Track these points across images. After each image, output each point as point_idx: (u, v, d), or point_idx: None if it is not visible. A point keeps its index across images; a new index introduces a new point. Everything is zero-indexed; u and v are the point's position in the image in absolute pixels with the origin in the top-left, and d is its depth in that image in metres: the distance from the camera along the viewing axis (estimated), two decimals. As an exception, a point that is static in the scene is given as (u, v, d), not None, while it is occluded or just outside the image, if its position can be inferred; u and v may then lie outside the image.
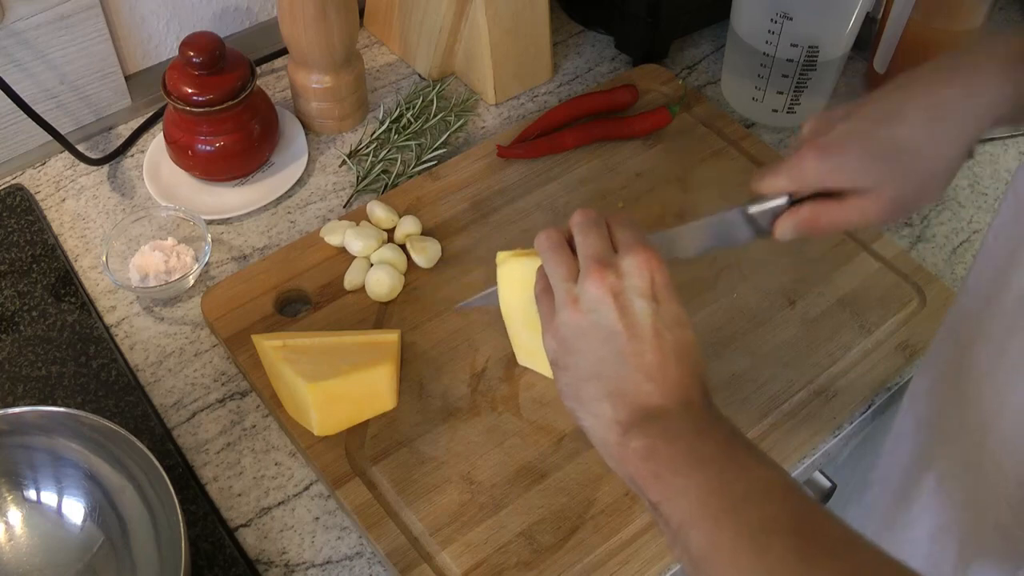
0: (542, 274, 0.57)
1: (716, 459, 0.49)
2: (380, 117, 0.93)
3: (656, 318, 0.52)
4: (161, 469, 0.60)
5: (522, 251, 0.68)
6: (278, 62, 0.99)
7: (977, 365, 0.60)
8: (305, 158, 0.90)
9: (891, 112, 0.56)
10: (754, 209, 0.60)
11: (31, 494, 0.65)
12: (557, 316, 0.54)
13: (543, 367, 0.72)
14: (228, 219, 0.86)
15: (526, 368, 0.74)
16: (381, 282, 0.77)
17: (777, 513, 0.46)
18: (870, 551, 0.44)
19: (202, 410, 0.74)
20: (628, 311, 0.52)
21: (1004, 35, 0.57)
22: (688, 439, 0.49)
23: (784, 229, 0.59)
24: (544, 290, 0.57)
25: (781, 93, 0.92)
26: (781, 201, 0.60)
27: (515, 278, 0.67)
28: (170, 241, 0.81)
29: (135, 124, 0.93)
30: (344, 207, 0.87)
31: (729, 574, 0.45)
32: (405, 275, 0.79)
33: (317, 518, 0.68)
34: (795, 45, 0.87)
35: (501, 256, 0.68)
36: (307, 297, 0.78)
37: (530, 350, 0.72)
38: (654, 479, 0.49)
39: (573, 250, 0.56)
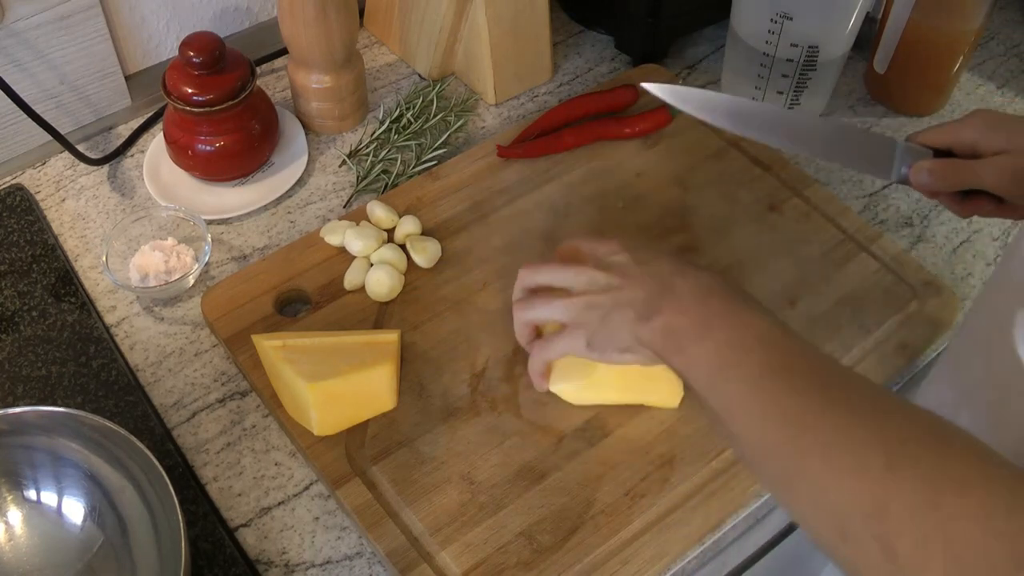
0: (536, 343, 0.70)
1: (719, 320, 0.57)
2: (380, 117, 0.93)
3: (633, 255, 0.64)
4: (161, 469, 0.60)
5: None
6: (278, 62, 0.99)
7: None
8: (305, 158, 0.90)
9: None
10: (906, 144, 0.68)
11: (31, 494, 0.65)
12: (571, 319, 0.65)
13: (569, 396, 0.72)
14: (228, 219, 0.86)
15: (527, 368, 0.73)
16: (381, 282, 0.77)
17: (772, 358, 0.53)
18: (858, 380, 0.51)
19: (202, 410, 0.74)
20: (611, 266, 0.64)
21: None
22: (695, 306, 0.58)
23: (921, 170, 0.67)
24: (546, 339, 0.68)
25: (781, 93, 0.92)
26: (926, 152, 0.67)
27: None
28: (170, 241, 0.81)
29: (135, 124, 0.93)
30: (344, 207, 0.87)
31: (744, 423, 0.52)
32: (405, 275, 0.79)
33: (317, 518, 0.68)
34: (795, 45, 0.87)
35: None
36: (307, 297, 0.78)
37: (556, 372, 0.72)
38: (676, 351, 0.58)
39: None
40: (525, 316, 0.69)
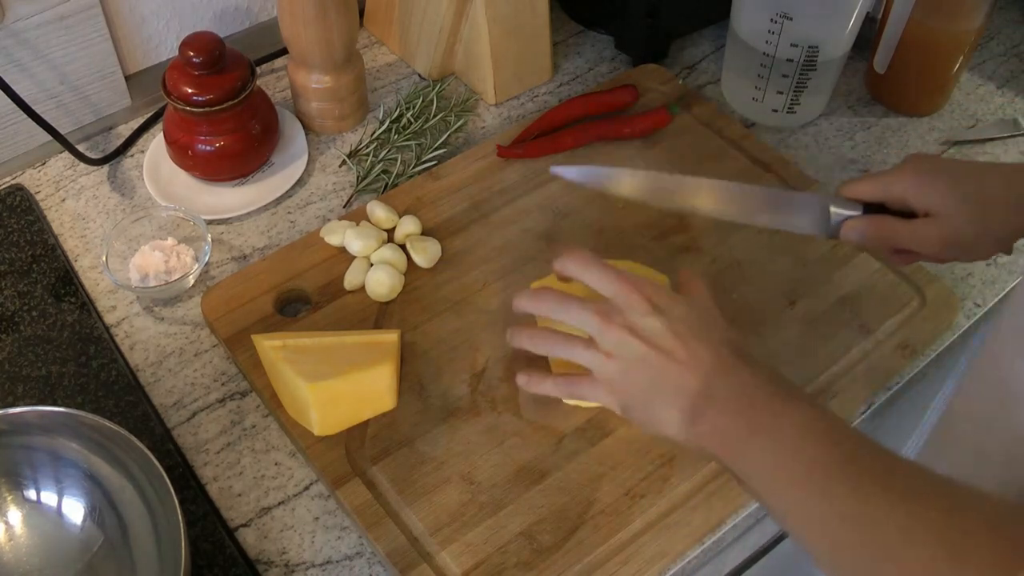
0: (559, 379, 0.65)
1: (767, 423, 0.55)
2: (380, 117, 0.93)
3: (667, 322, 0.59)
4: (161, 469, 0.60)
5: (552, 278, 0.70)
6: (278, 62, 0.99)
7: None
8: (305, 158, 0.90)
9: (981, 170, 0.66)
10: (834, 206, 0.67)
11: (31, 494, 0.65)
12: (601, 375, 0.61)
13: (586, 403, 0.71)
14: (228, 219, 0.86)
15: (526, 368, 0.73)
16: (381, 282, 0.77)
17: (826, 454, 0.52)
18: (914, 468, 0.50)
19: (202, 410, 0.74)
20: (645, 333, 0.59)
21: None
22: (741, 409, 0.56)
23: (852, 230, 0.66)
24: (569, 381, 0.64)
25: (781, 93, 0.92)
26: (857, 210, 0.67)
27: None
28: (170, 241, 0.81)
29: (135, 124, 0.93)
30: (344, 207, 0.87)
31: (806, 524, 0.51)
32: (405, 275, 0.79)
33: (317, 518, 0.68)
34: (795, 45, 0.87)
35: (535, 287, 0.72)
36: (307, 297, 0.78)
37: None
38: (730, 455, 0.56)
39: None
40: (542, 342, 0.64)
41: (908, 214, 0.66)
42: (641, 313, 0.59)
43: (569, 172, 0.71)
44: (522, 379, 0.66)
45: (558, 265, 0.65)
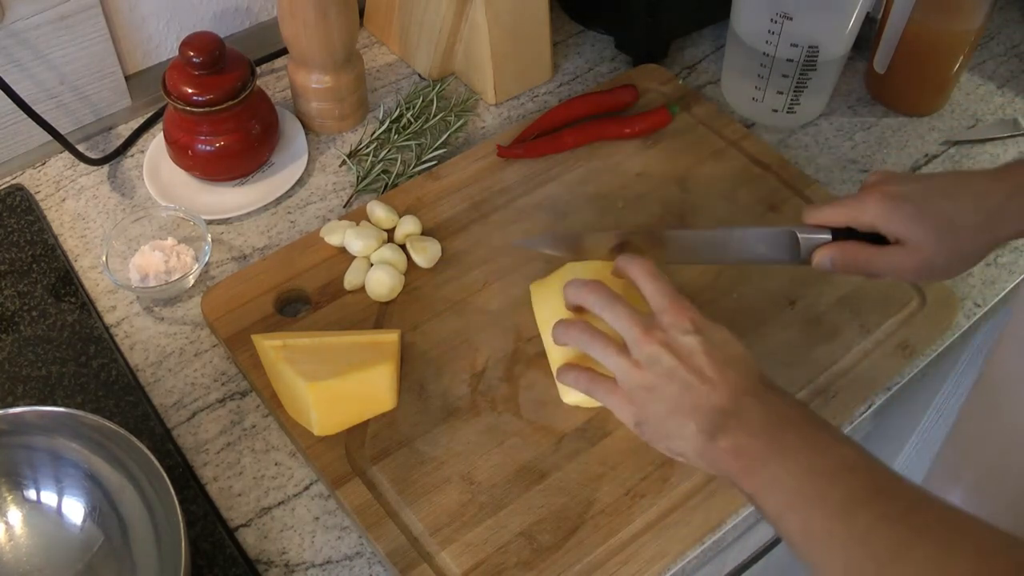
0: (583, 373, 0.65)
1: (797, 444, 0.54)
2: (380, 117, 0.93)
3: (705, 344, 0.59)
4: (161, 469, 0.60)
5: (552, 278, 0.72)
6: (278, 62, 0.99)
7: None
8: (305, 158, 0.90)
9: (949, 189, 0.65)
10: (803, 234, 0.66)
11: (31, 494, 0.65)
12: (624, 384, 0.61)
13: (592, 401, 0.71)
14: (228, 219, 0.86)
15: (527, 368, 0.74)
16: (381, 282, 0.77)
17: (858, 486, 0.51)
18: (944, 507, 0.49)
19: (202, 410, 0.74)
20: (681, 350, 0.59)
21: None
22: (768, 430, 0.56)
23: (823, 257, 0.66)
24: (592, 379, 0.64)
25: (781, 93, 0.92)
26: (826, 236, 0.66)
27: (556, 310, 0.68)
28: (170, 241, 0.81)
29: (135, 124, 0.93)
30: (344, 207, 0.87)
31: (826, 550, 0.51)
32: (405, 275, 0.79)
33: (317, 518, 0.68)
34: (795, 45, 0.87)
35: (535, 288, 0.74)
36: (307, 297, 0.78)
37: None
38: (746, 473, 0.55)
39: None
40: (579, 335, 0.64)
41: (876, 235, 0.65)
42: (681, 331, 0.59)
43: (532, 243, 0.74)
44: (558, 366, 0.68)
45: (621, 261, 0.65)
